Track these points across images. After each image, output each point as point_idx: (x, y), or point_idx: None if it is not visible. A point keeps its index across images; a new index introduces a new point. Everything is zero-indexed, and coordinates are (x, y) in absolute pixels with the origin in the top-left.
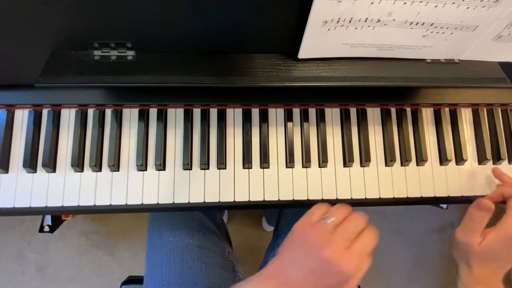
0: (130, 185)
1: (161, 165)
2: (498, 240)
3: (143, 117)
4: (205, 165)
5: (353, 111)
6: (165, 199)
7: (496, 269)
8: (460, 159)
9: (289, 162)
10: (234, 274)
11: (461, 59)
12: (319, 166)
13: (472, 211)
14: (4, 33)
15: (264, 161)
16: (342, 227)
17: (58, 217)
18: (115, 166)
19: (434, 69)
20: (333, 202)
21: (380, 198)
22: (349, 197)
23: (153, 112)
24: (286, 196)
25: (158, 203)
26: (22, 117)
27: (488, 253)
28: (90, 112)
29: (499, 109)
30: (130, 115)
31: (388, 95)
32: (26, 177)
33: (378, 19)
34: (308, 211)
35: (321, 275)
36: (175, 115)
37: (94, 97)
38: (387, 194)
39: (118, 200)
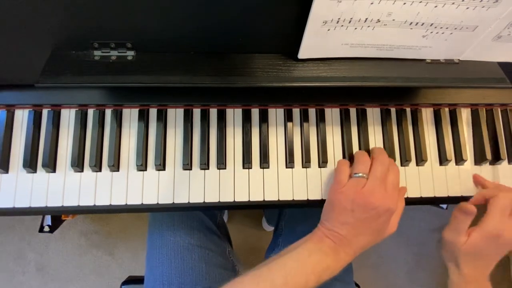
0: (130, 185)
1: (161, 165)
2: (481, 237)
3: (143, 117)
4: (205, 165)
5: (353, 111)
6: (165, 199)
7: (482, 266)
8: (459, 159)
9: (289, 162)
10: (234, 274)
11: (460, 59)
12: (319, 166)
13: (456, 214)
14: (4, 33)
15: (264, 161)
16: (372, 176)
17: (58, 217)
18: (115, 166)
19: (434, 69)
20: None
21: None
22: None
23: (153, 112)
24: (286, 196)
25: (158, 203)
26: (22, 117)
27: (473, 251)
28: (90, 112)
29: (499, 109)
30: (130, 115)
31: (388, 95)
32: (26, 177)
33: (378, 19)
34: (335, 177)
35: (373, 220)
36: (175, 115)
37: (94, 97)
38: None
39: (118, 200)
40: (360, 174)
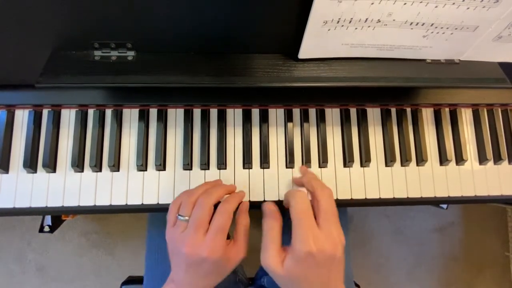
0: (130, 185)
1: (161, 165)
2: (296, 263)
3: (143, 117)
4: (205, 165)
5: (353, 111)
6: (165, 199)
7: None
8: (460, 159)
9: (289, 162)
10: (234, 274)
11: (461, 59)
12: (319, 166)
13: (263, 223)
14: (4, 33)
15: (264, 161)
16: (191, 220)
17: (58, 217)
18: (115, 166)
19: (434, 69)
20: None
21: (380, 198)
22: (349, 197)
23: (153, 112)
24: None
25: (158, 203)
26: (22, 117)
27: (294, 278)
28: (90, 112)
29: (499, 109)
30: (130, 115)
31: (388, 95)
32: (26, 177)
33: (378, 20)
34: (167, 215)
35: (195, 269)
36: (175, 115)
37: (94, 97)
38: (387, 194)
39: (118, 200)
40: (182, 218)
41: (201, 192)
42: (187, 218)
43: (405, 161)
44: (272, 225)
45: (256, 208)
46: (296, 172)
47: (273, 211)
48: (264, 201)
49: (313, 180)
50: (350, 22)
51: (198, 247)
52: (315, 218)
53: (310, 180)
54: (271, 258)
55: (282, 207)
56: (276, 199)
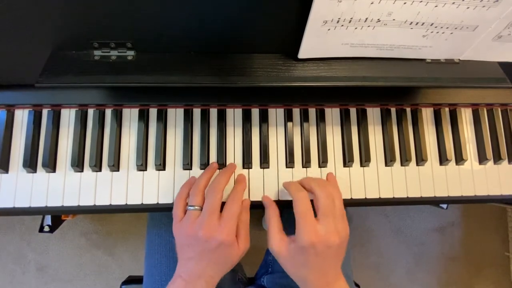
0: (130, 185)
1: (161, 165)
2: (297, 249)
3: (143, 117)
4: (205, 165)
5: (353, 111)
6: (165, 199)
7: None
8: (460, 159)
9: (289, 162)
10: (233, 273)
11: (461, 59)
12: (319, 166)
13: (265, 214)
14: (4, 33)
15: (264, 161)
16: (205, 206)
17: (58, 217)
18: (115, 166)
19: (434, 69)
20: None
21: (380, 198)
22: (349, 197)
23: (153, 112)
24: (286, 196)
25: (158, 203)
26: (22, 117)
27: (296, 262)
28: (90, 112)
29: (499, 109)
30: (130, 115)
31: (388, 95)
32: (26, 177)
33: (378, 19)
34: (173, 211)
35: (210, 252)
36: (175, 115)
37: (94, 97)
38: (387, 194)
39: (118, 200)
40: (193, 207)
41: (204, 182)
42: (197, 207)
43: (405, 161)
44: (270, 215)
45: (256, 208)
46: (296, 172)
47: (269, 202)
48: None
49: (312, 181)
50: (350, 22)
51: (215, 231)
52: (316, 213)
53: (309, 182)
54: (275, 243)
55: (282, 205)
56: (276, 198)
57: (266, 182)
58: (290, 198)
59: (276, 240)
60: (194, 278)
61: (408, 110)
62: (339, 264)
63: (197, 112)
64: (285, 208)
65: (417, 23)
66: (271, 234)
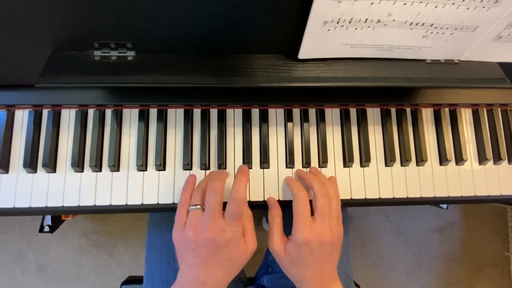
0: (130, 185)
1: (161, 165)
2: (294, 247)
3: (143, 117)
4: (205, 166)
5: (353, 111)
6: (165, 199)
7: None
8: (460, 159)
9: (289, 163)
10: None
11: (461, 59)
12: (319, 166)
13: (268, 215)
14: (4, 33)
15: (264, 161)
16: (207, 206)
17: (58, 217)
18: (115, 166)
19: (434, 69)
20: None
21: (380, 198)
22: (349, 197)
23: (153, 112)
24: (286, 196)
25: (158, 203)
26: (22, 117)
27: (294, 261)
28: (90, 112)
29: (499, 109)
30: (130, 115)
31: (388, 95)
32: (26, 177)
33: (378, 20)
34: (176, 216)
35: (217, 253)
36: (175, 115)
37: (94, 97)
38: (387, 194)
39: (118, 200)
40: (194, 207)
41: (205, 185)
42: (198, 206)
43: (405, 161)
44: (274, 215)
45: (256, 208)
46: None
47: (274, 203)
48: (264, 200)
49: (313, 179)
50: (350, 22)
51: (221, 230)
52: (314, 212)
53: (311, 179)
54: (276, 243)
55: (282, 205)
56: (276, 198)
57: (266, 182)
58: (290, 199)
59: (277, 241)
60: (199, 285)
61: (408, 110)
62: (334, 264)
63: (197, 112)
64: (285, 208)
65: (417, 24)
66: (273, 234)
